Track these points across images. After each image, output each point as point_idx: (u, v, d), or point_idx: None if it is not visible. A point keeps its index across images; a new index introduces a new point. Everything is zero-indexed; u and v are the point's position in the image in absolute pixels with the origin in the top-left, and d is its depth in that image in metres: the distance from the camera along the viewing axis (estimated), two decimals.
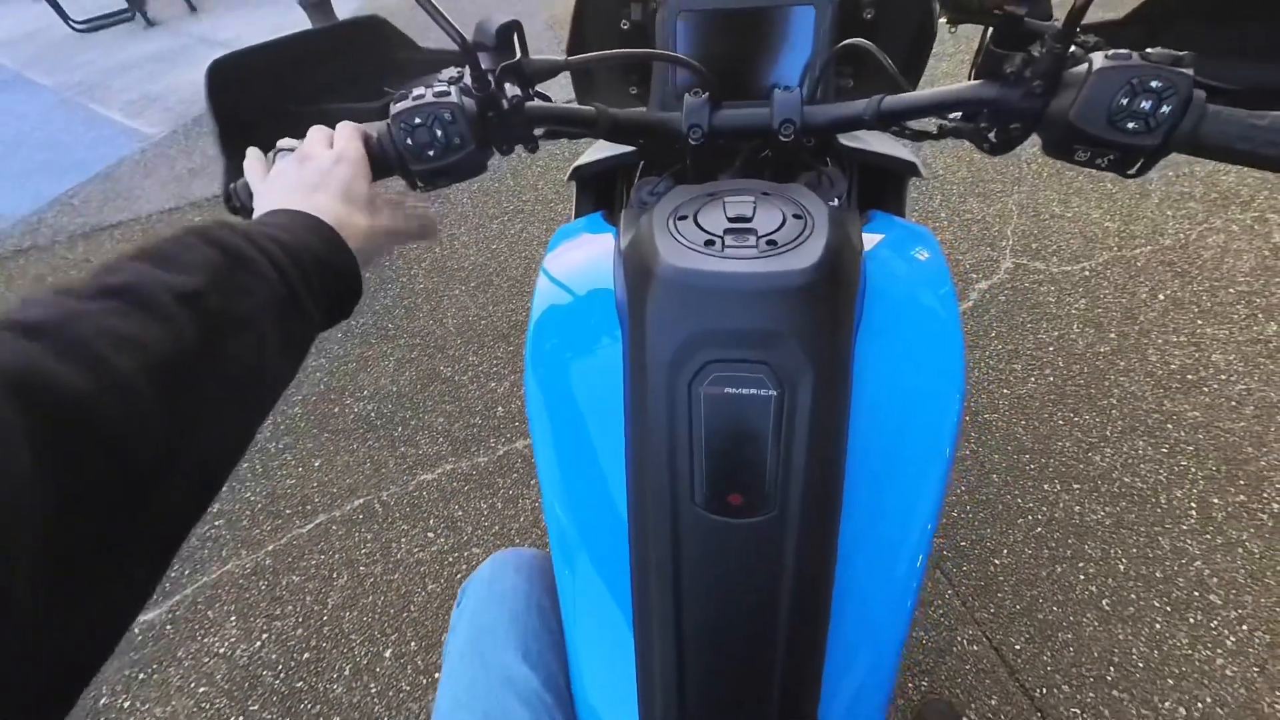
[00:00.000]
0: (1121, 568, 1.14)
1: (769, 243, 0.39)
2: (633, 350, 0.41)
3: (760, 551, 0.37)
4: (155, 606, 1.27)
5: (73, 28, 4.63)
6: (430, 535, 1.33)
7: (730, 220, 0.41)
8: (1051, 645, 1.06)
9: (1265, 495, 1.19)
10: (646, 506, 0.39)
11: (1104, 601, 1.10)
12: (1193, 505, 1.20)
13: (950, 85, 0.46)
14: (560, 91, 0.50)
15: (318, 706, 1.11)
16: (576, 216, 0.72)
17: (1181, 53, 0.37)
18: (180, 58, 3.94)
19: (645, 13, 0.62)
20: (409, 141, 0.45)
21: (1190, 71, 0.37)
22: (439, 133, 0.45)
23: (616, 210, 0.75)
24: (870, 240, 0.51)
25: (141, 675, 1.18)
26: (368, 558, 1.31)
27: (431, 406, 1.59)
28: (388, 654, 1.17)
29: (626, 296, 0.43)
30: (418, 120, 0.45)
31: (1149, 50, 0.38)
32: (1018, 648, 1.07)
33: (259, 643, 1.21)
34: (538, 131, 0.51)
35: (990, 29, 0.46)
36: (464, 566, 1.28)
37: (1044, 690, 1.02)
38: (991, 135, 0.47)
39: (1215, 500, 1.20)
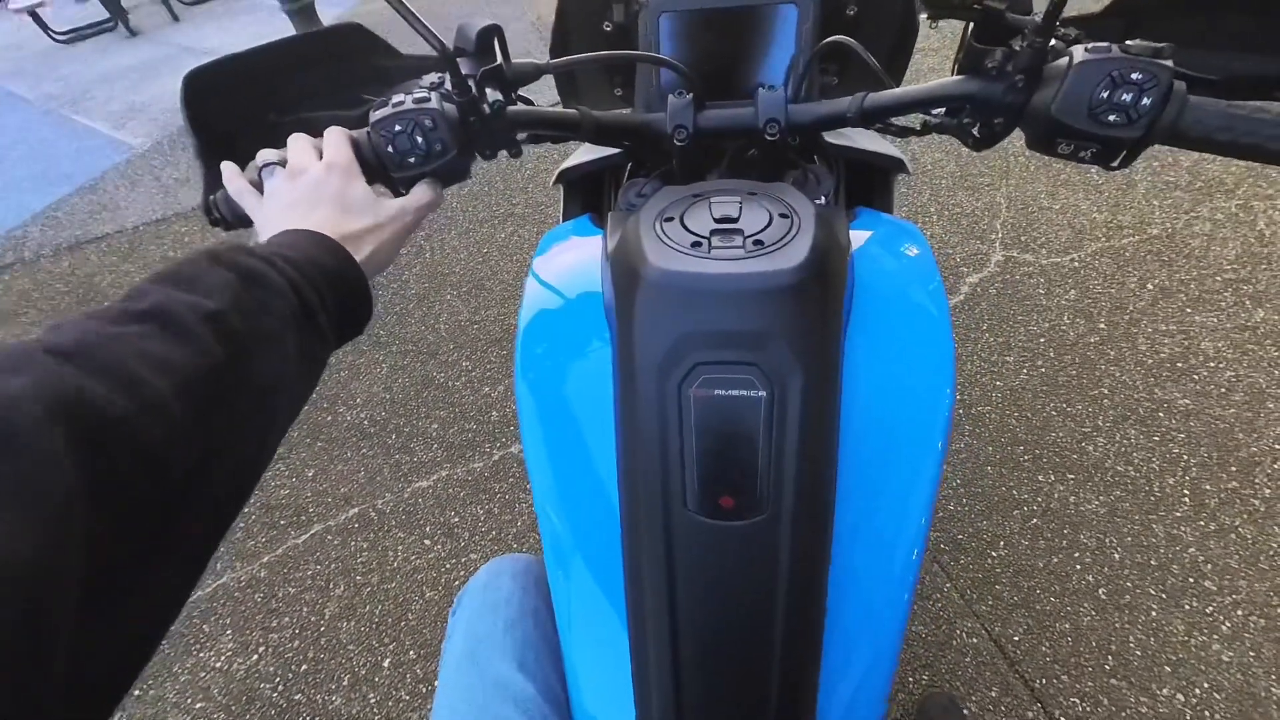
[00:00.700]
0: (1117, 557, 1.14)
1: (756, 243, 0.38)
2: (622, 353, 0.41)
3: (754, 555, 0.37)
4: None
5: (54, 39, 4.59)
6: (427, 543, 1.32)
7: (716, 221, 0.40)
8: (1050, 636, 1.07)
9: (1257, 481, 1.20)
10: (639, 511, 0.39)
11: (1101, 591, 1.11)
12: (1186, 492, 1.21)
13: (933, 81, 0.46)
14: (549, 94, 0.50)
15: (316, 719, 1.10)
16: (565, 219, 0.72)
17: (1161, 44, 0.38)
18: (164, 67, 3.92)
19: (628, 14, 0.62)
20: (390, 149, 0.45)
21: (1170, 63, 0.37)
22: (420, 139, 0.45)
23: (604, 212, 0.74)
24: (858, 238, 0.50)
25: (137, 692, 1.16)
26: (364, 567, 1.30)
27: (425, 413, 1.58)
28: (386, 663, 1.16)
29: (614, 300, 0.43)
30: (398, 127, 0.44)
31: (1129, 42, 0.38)
32: (1016, 639, 1.07)
33: (256, 655, 1.20)
34: (521, 136, 0.51)
35: (971, 24, 0.46)
36: (461, 573, 1.27)
37: (1043, 681, 1.02)
38: (975, 130, 0.47)
39: (1208, 487, 1.21)
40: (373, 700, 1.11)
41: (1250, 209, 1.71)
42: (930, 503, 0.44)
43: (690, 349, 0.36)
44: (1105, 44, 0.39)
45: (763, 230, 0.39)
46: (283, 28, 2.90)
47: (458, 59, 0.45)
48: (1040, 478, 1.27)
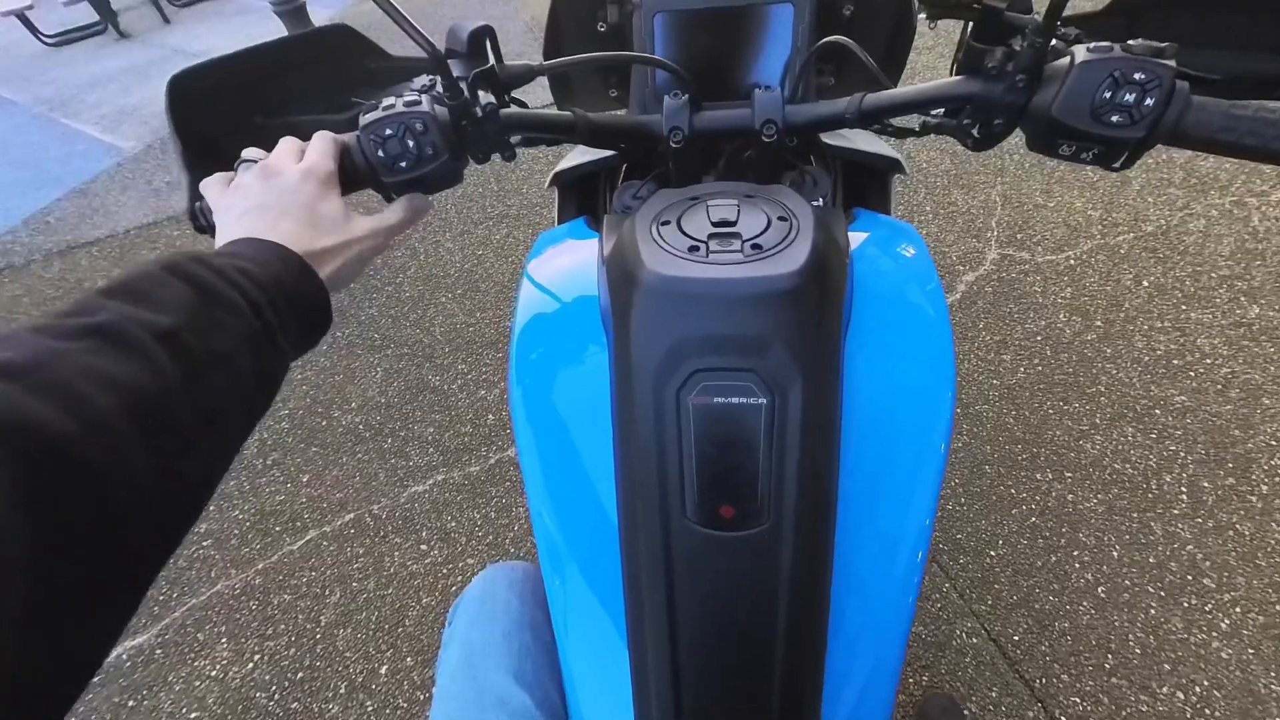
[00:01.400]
0: (1115, 555, 1.14)
1: (754, 247, 0.38)
2: (618, 359, 0.40)
3: (755, 565, 0.36)
4: (144, 631, 1.25)
5: (43, 42, 4.54)
6: (424, 548, 1.31)
7: (714, 225, 0.40)
8: (1049, 635, 1.07)
9: (1253, 477, 1.21)
10: (637, 521, 0.38)
11: (1099, 589, 1.11)
12: (1183, 490, 1.21)
13: (932, 81, 0.46)
14: (543, 95, 0.49)
15: None
16: (559, 221, 0.71)
17: (1163, 44, 0.37)
18: (154, 70, 3.89)
19: (622, 14, 0.61)
20: (380, 153, 0.44)
21: (1173, 63, 0.37)
22: (411, 143, 0.44)
23: (600, 214, 0.74)
24: (856, 239, 0.50)
25: (131, 702, 1.15)
26: (360, 573, 1.29)
27: (421, 417, 1.57)
28: (383, 670, 1.15)
29: (611, 304, 0.42)
30: (388, 131, 0.44)
31: (1130, 42, 0.38)
32: (1016, 639, 1.07)
33: (251, 664, 1.18)
34: (514, 139, 0.50)
35: (970, 23, 0.45)
36: (459, 578, 1.26)
37: (1043, 680, 1.02)
38: (975, 131, 0.46)
39: (1205, 484, 1.21)
40: (370, 708, 1.10)
41: (1244, 205, 1.72)
42: (933, 504, 0.43)
43: (688, 355, 0.35)
44: (1107, 44, 0.38)
45: (761, 234, 0.39)
46: (275, 29, 2.88)
47: (449, 61, 0.44)
48: (1038, 476, 1.27)
